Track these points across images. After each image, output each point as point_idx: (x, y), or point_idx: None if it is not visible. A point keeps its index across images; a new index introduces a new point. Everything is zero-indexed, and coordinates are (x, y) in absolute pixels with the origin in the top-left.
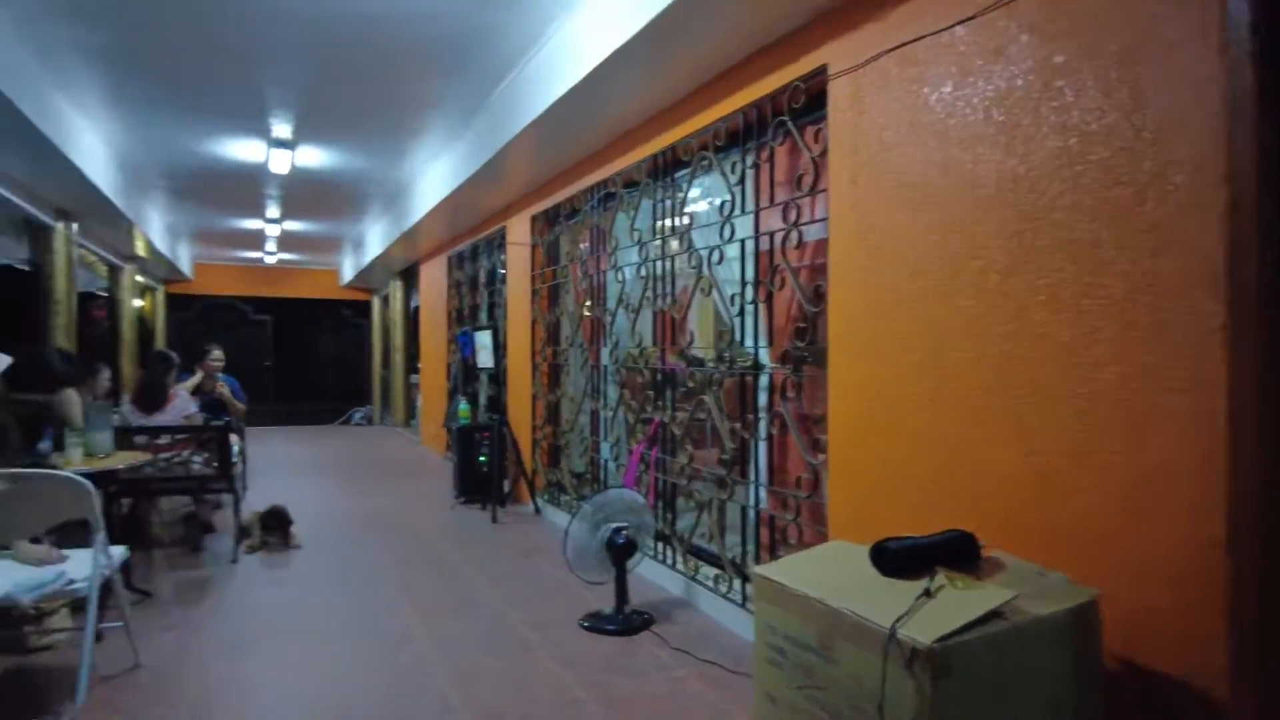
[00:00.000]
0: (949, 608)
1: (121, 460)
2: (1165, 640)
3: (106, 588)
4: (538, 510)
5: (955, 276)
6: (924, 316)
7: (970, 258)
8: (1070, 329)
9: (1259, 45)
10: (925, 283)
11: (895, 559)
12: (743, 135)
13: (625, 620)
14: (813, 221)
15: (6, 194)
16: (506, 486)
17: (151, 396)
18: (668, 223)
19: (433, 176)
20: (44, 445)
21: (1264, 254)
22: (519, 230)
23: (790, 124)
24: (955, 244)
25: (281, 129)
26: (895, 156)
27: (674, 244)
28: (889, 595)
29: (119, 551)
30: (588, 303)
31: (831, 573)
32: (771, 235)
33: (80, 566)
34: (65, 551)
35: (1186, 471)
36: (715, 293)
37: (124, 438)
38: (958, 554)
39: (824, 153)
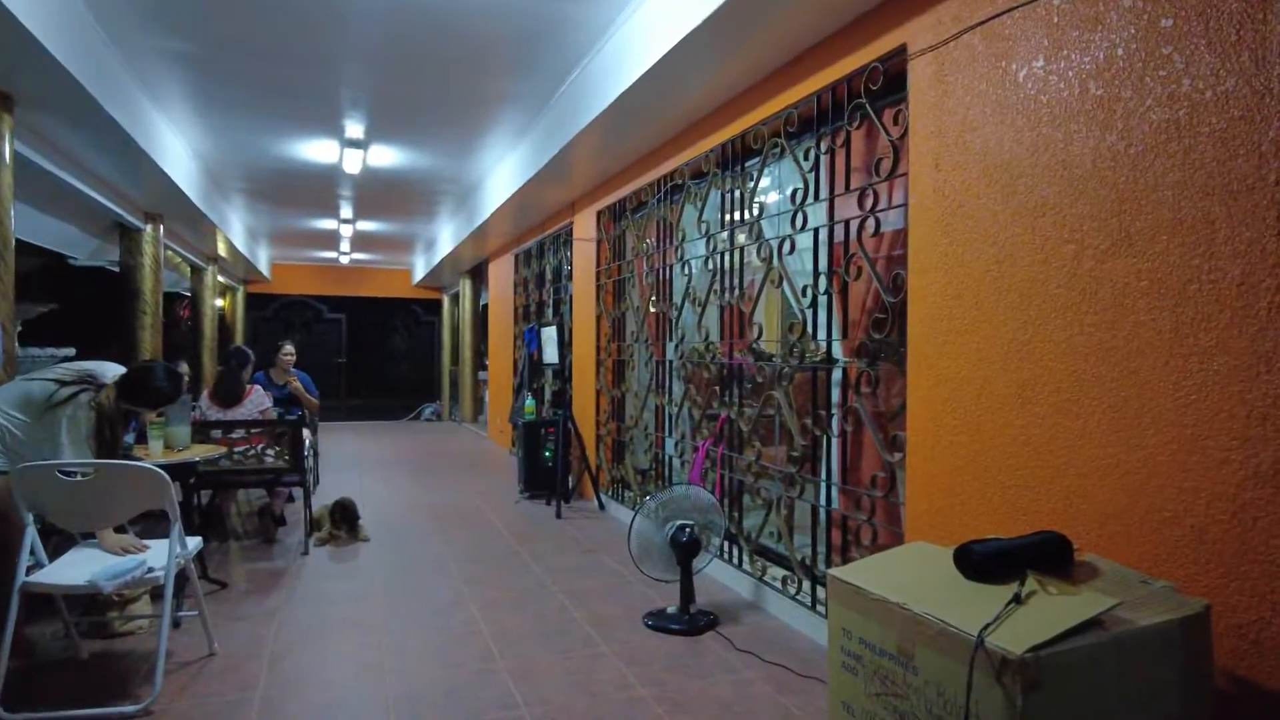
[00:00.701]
0: (1042, 615)
1: (198, 453)
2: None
3: (183, 576)
4: (601, 506)
5: (1046, 262)
6: (1012, 305)
7: (1063, 242)
8: (1174, 316)
9: None
10: (1014, 270)
11: (981, 561)
12: (817, 120)
13: (690, 620)
14: (891, 208)
15: (99, 197)
16: (571, 482)
17: (228, 391)
18: (736, 214)
19: (501, 174)
20: (128, 438)
21: None
22: (585, 226)
23: (868, 106)
24: (1046, 228)
25: (354, 129)
26: (981, 137)
27: (742, 236)
28: (975, 601)
29: (194, 542)
30: (653, 297)
31: (911, 576)
32: (846, 223)
33: (160, 556)
34: (148, 541)
35: None
36: (786, 284)
37: (201, 431)
38: (1049, 557)
39: (904, 135)
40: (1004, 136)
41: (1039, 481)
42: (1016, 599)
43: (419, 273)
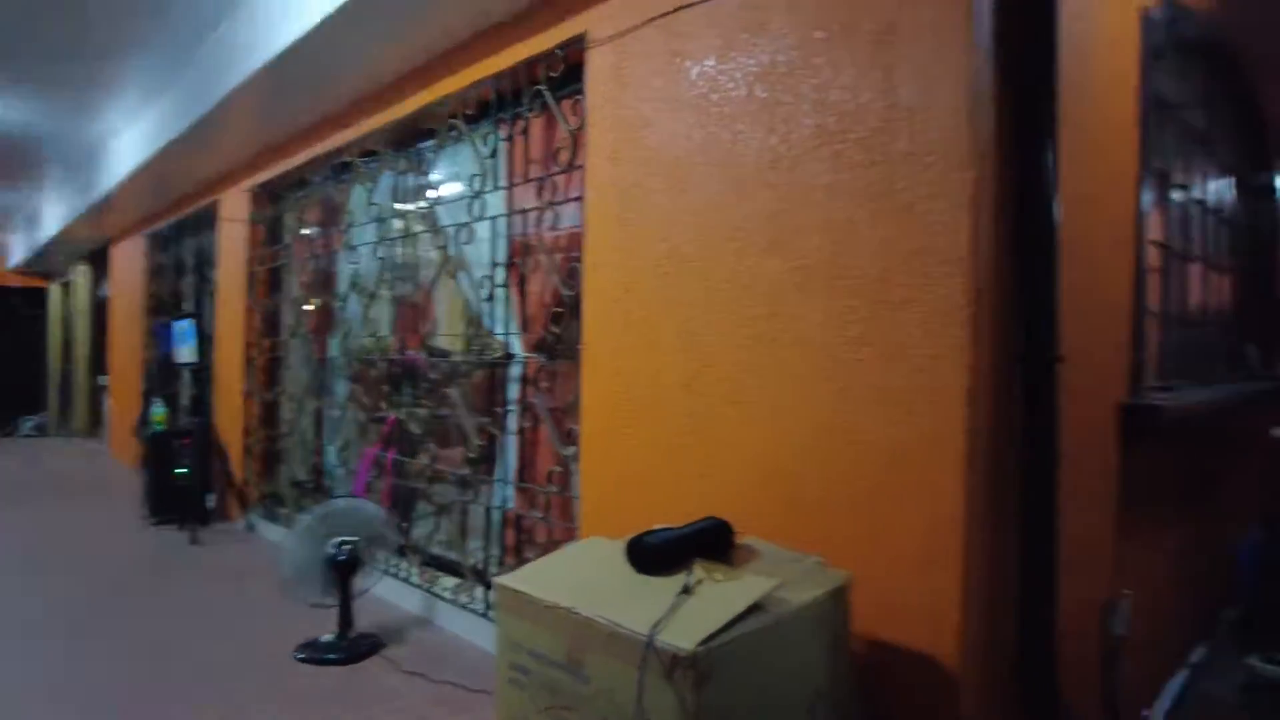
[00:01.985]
0: (709, 605)
1: None
2: (907, 618)
3: None
4: (251, 527)
5: (712, 259)
6: (682, 299)
7: (727, 239)
8: (823, 310)
9: (1000, 28)
10: (683, 264)
11: (652, 554)
12: (496, 105)
13: (350, 646)
14: (569, 200)
15: None
16: (211, 501)
17: None
18: (410, 200)
19: (131, 137)
20: None
21: (1000, 236)
22: (235, 205)
23: (547, 94)
24: (713, 224)
25: None
26: (656, 132)
27: (416, 223)
28: (646, 596)
29: None
30: (314, 288)
31: (584, 575)
32: (525, 213)
33: None
34: None
35: (930, 450)
36: (463, 276)
37: None
38: (712, 544)
39: (582, 127)
40: (677, 132)
41: (709, 469)
42: (686, 590)
43: (17, 255)
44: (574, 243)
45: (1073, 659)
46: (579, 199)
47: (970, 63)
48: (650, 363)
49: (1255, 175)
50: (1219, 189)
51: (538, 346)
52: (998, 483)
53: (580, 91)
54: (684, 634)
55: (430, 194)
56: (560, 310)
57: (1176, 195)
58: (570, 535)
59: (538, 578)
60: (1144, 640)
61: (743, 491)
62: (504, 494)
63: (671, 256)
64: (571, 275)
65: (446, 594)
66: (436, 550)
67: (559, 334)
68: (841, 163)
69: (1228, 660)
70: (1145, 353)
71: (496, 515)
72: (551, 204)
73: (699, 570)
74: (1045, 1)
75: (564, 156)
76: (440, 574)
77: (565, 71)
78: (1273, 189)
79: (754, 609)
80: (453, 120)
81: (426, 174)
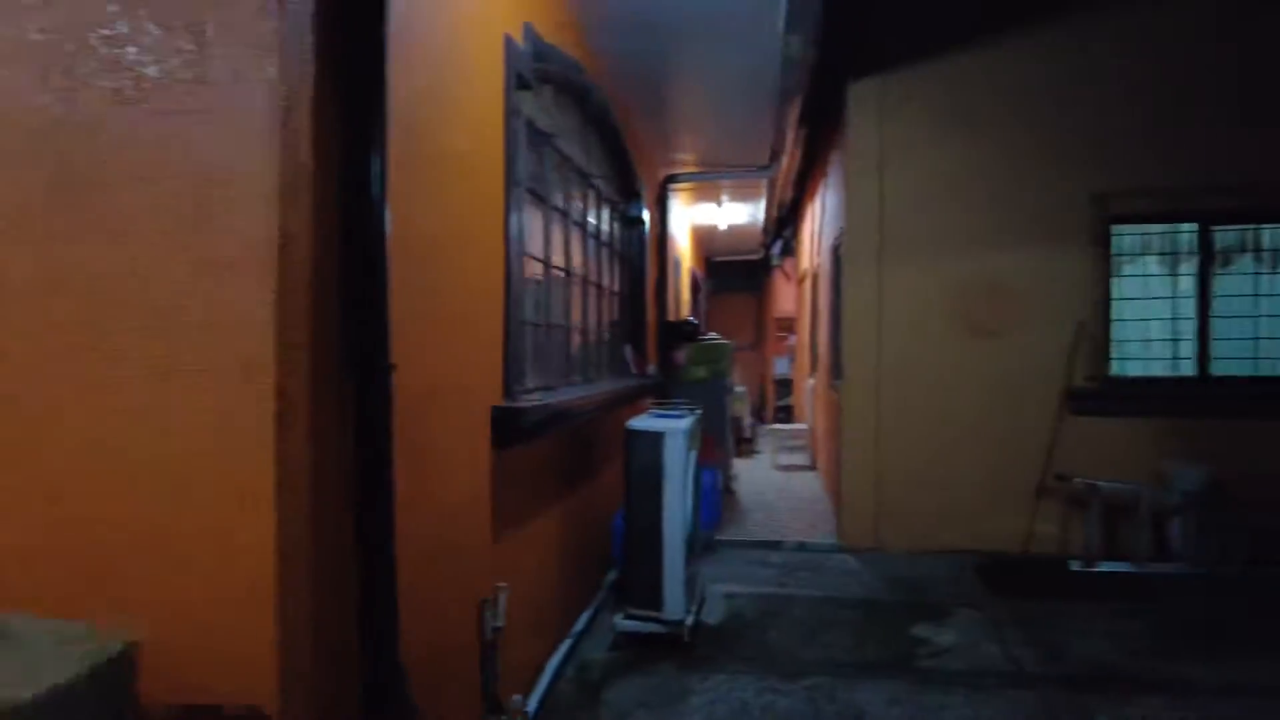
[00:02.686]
0: None
1: None
2: (218, 674)
3: None
4: None
5: None
6: None
7: None
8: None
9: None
10: None
11: None
12: None
13: None
14: None
15: None
16: None
17: None
18: None
19: None
20: None
21: (318, 245)
22: None
23: None
24: None
25: None
26: None
27: None
28: None
29: None
30: None
31: None
32: None
33: None
34: None
35: (233, 480)
36: None
37: None
38: None
39: None
40: None
41: None
42: None
43: None
44: None
45: (457, 658)
46: None
47: (283, 73)
48: None
49: (627, 205)
50: (601, 216)
51: None
52: (321, 508)
53: None
54: None
55: None
56: None
57: (557, 217)
58: None
59: None
60: (533, 622)
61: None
62: None
63: None
64: None
65: None
66: None
67: None
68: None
69: (605, 622)
70: (520, 360)
71: None
72: None
73: None
74: (372, 23)
75: None
76: None
77: None
78: (641, 219)
79: None
80: None
81: None
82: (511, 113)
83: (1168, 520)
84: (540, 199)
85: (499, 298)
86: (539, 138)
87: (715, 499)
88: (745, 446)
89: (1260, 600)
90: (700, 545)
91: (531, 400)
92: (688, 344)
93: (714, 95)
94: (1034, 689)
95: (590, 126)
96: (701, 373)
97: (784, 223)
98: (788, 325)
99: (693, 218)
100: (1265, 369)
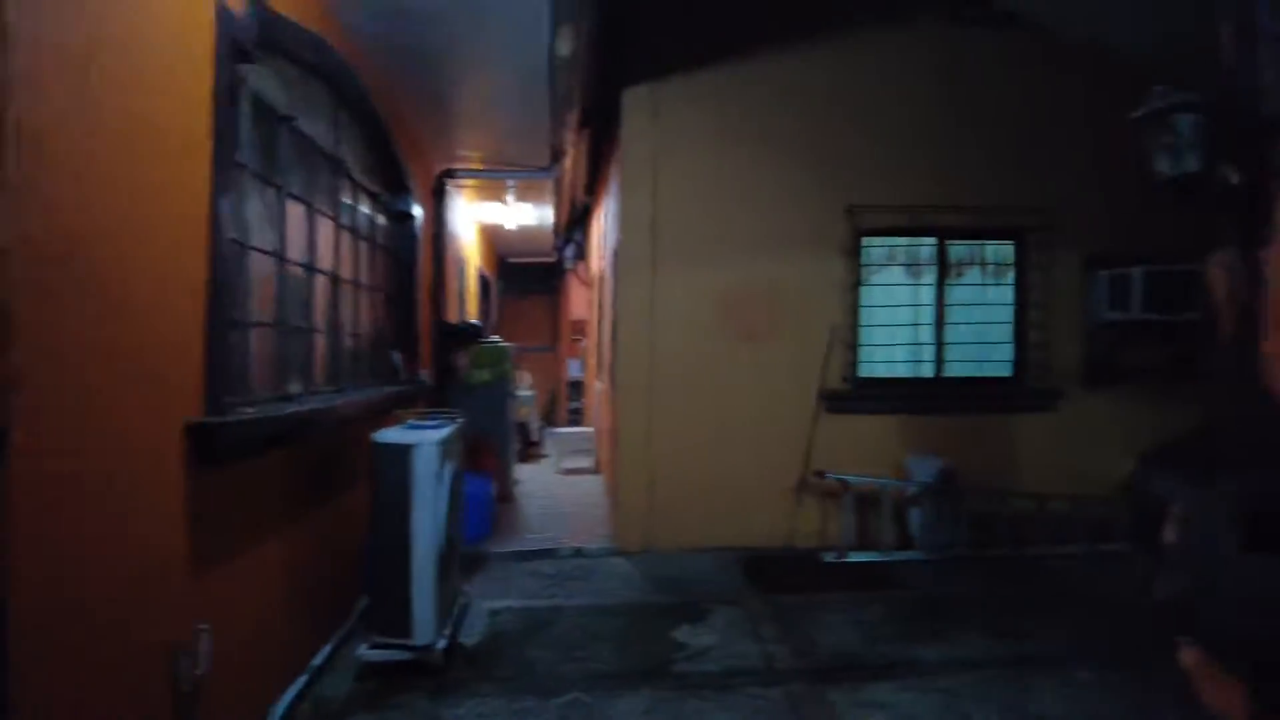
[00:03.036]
0: None
1: None
2: None
3: None
4: None
5: None
6: None
7: None
8: None
9: None
10: None
11: None
12: None
13: None
14: None
15: None
16: None
17: None
18: None
19: None
20: None
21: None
22: None
23: None
24: None
25: None
26: None
27: None
28: None
29: None
30: None
31: None
32: None
33: None
34: None
35: None
36: None
37: None
38: None
39: None
40: None
41: None
42: None
43: None
44: None
45: (147, 711)
46: None
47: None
48: None
49: (393, 199)
50: (358, 208)
51: None
52: None
53: None
54: None
55: None
56: None
57: (298, 207)
58: None
59: None
60: (257, 662)
61: None
62: None
63: None
64: None
65: None
66: None
67: None
68: None
69: (352, 653)
70: (232, 367)
71: None
72: None
73: None
74: None
75: None
76: None
77: None
78: (410, 215)
79: None
80: None
81: None
82: (228, 86)
83: (908, 510)
84: (273, 185)
85: (200, 295)
86: (273, 118)
87: (486, 510)
88: (533, 451)
89: (980, 580)
90: (459, 562)
91: (247, 413)
92: (469, 347)
93: (488, 91)
94: (783, 684)
95: (345, 112)
96: (485, 376)
97: (576, 226)
98: (581, 329)
99: (479, 216)
100: (988, 370)
